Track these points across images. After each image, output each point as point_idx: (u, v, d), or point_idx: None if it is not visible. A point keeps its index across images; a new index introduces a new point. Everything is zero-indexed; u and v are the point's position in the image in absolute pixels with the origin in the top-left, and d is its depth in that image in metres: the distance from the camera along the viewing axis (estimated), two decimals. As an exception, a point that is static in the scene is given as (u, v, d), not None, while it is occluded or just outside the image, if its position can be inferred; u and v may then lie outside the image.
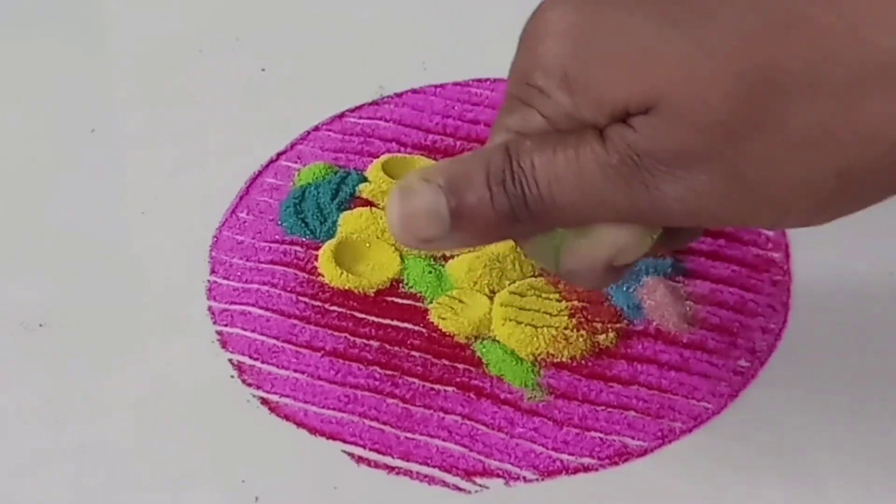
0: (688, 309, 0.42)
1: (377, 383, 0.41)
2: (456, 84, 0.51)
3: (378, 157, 0.47)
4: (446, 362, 0.41)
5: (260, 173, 0.48)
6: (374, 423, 0.40)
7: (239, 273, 0.44)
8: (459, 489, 0.38)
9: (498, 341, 0.41)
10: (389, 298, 0.43)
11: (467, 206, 0.34)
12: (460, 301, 0.43)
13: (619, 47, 0.32)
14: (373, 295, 0.43)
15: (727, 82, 0.30)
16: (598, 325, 0.42)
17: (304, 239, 0.45)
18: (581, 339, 0.41)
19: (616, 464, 0.39)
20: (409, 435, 0.39)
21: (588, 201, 0.34)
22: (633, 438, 0.39)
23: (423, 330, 0.42)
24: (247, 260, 0.44)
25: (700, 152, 0.31)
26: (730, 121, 0.31)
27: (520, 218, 0.34)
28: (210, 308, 0.43)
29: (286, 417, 0.40)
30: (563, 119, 0.33)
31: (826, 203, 0.33)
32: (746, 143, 0.31)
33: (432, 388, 0.41)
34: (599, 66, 0.32)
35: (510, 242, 0.44)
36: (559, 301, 0.42)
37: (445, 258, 0.44)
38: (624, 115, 0.32)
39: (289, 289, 0.43)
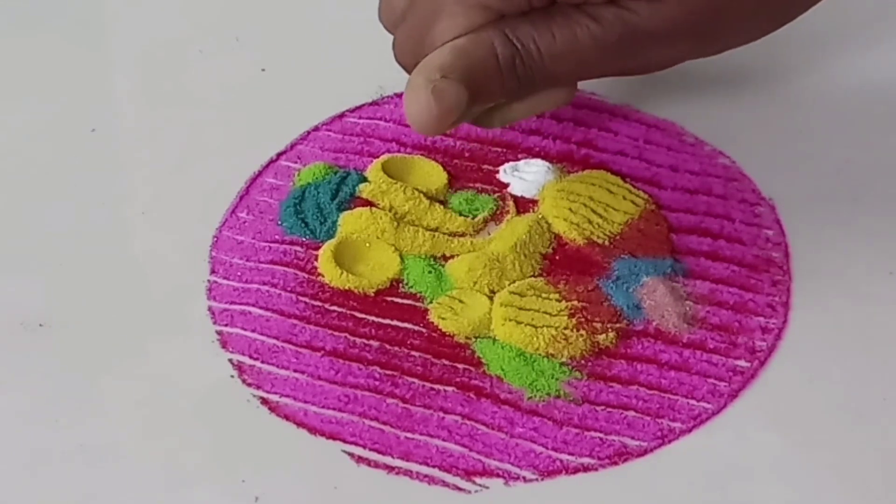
0: (687, 309, 0.42)
1: (377, 383, 0.41)
2: (456, 84, 0.51)
3: (378, 157, 0.47)
4: (446, 362, 0.41)
5: (260, 173, 0.48)
6: (373, 423, 0.40)
7: (239, 273, 0.44)
8: (459, 489, 0.38)
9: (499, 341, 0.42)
10: (389, 298, 0.43)
11: (483, 90, 0.40)
12: (460, 301, 0.43)
13: None
14: (373, 295, 0.43)
15: None
16: (598, 325, 0.42)
17: (304, 239, 0.45)
18: (581, 339, 0.41)
19: (616, 464, 0.39)
20: (408, 435, 0.39)
21: (583, 71, 0.41)
22: (632, 438, 0.39)
23: (423, 330, 0.42)
24: (247, 260, 0.44)
25: (690, 26, 0.39)
26: (714, 4, 0.39)
27: (523, 89, 0.40)
28: (210, 308, 0.43)
29: (286, 417, 0.40)
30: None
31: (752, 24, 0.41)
32: (726, 14, 0.39)
33: (432, 388, 0.41)
34: None
35: (510, 243, 0.44)
36: (559, 301, 0.42)
37: (445, 258, 0.44)
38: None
39: (289, 289, 0.43)
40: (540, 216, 0.45)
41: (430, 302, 0.43)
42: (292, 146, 0.49)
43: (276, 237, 0.45)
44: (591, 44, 0.39)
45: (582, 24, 0.39)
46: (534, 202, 0.46)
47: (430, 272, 0.43)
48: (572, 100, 0.44)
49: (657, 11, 0.39)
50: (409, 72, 0.41)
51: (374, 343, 0.42)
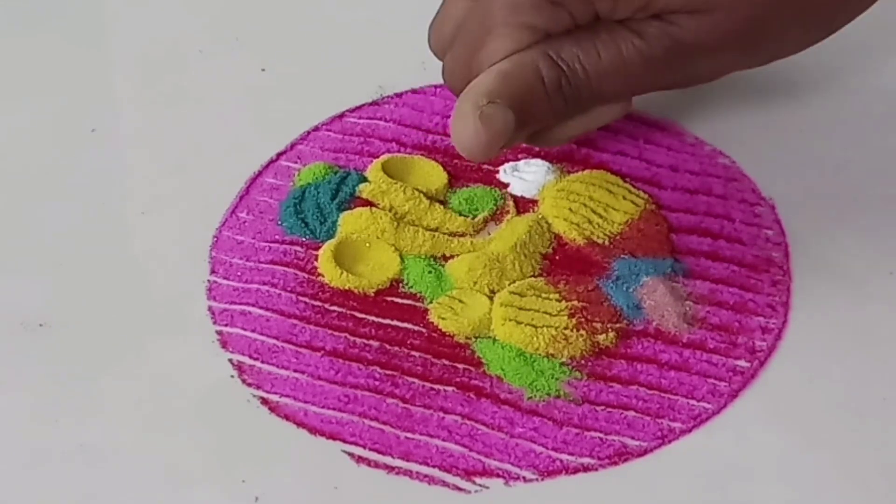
0: (687, 309, 0.42)
1: (377, 383, 0.41)
2: (456, 84, 0.51)
3: (378, 157, 0.47)
4: (446, 362, 0.41)
5: (260, 173, 0.48)
6: (373, 423, 0.40)
7: (239, 273, 0.44)
8: (459, 489, 0.38)
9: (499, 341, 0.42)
10: (389, 298, 0.43)
11: (530, 114, 0.40)
12: (460, 301, 0.43)
13: None
14: (373, 295, 0.43)
15: None
16: (598, 325, 0.42)
17: (304, 239, 0.45)
18: (581, 339, 0.41)
19: (616, 464, 0.39)
20: (408, 435, 0.39)
21: (631, 87, 0.41)
22: (632, 438, 0.39)
23: (423, 330, 0.42)
24: (247, 260, 0.44)
25: (735, 37, 0.39)
26: (759, 14, 0.39)
27: (571, 111, 0.41)
28: (210, 308, 0.43)
29: (286, 417, 0.40)
30: (587, 17, 0.39)
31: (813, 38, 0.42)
32: (771, 25, 0.39)
33: (432, 388, 0.41)
34: None
35: (510, 243, 0.44)
36: (559, 301, 0.42)
37: (445, 258, 0.44)
38: (660, 13, 0.39)
39: (289, 289, 0.43)
40: (540, 216, 0.45)
41: (430, 302, 0.43)
42: (292, 146, 0.49)
43: (276, 237, 0.45)
44: (638, 60, 0.39)
45: (627, 40, 0.39)
46: (534, 202, 0.46)
47: (430, 272, 0.43)
48: (628, 112, 0.43)
49: (701, 24, 0.38)
50: (457, 96, 0.41)
51: (374, 343, 0.42)
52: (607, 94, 0.40)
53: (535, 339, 0.41)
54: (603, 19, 0.39)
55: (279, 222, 0.46)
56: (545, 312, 0.42)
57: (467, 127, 0.39)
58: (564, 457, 0.39)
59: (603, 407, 0.40)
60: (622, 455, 0.39)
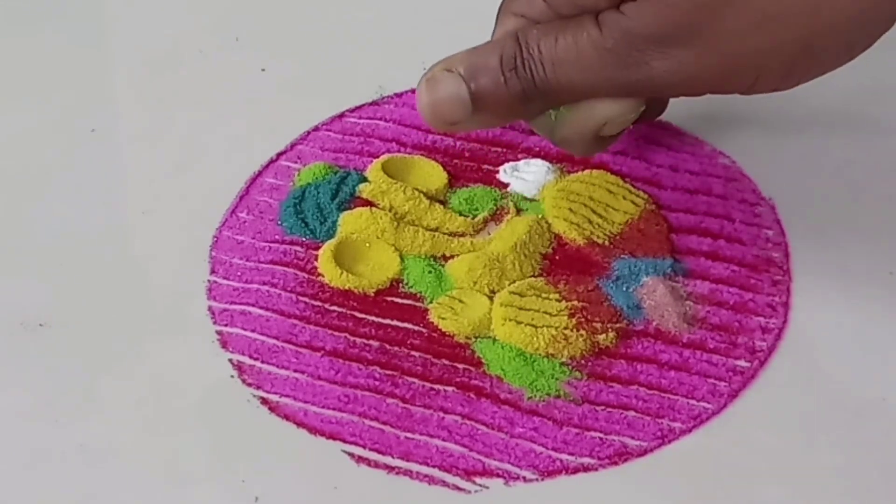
0: (688, 309, 0.42)
1: (377, 383, 0.41)
2: (456, 84, 0.51)
3: (378, 157, 0.47)
4: (446, 362, 0.41)
5: (260, 173, 0.48)
6: (373, 423, 0.40)
7: (239, 273, 0.44)
8: (459, 489, 0.38)
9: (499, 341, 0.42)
10: (389, 298, 0.43)
11: (485, 90, 0.39)
12: (460, 301, 0.43)
13: None
14: (373, 295, 0.43)
15: None
16: (598, 325, 0.42)
17: (304, 239, 0.45)
18: (581, 339, 0.41)
19: (616, 464, 0.39)
20: (408, 435, 0.39)
21: (587, 80, 0.39)
22: (632, 438, 0.39)
23: (423, 330, 0.42)
24: (247, 260, 0.44)
25: (684, 31, 0.37)
26: (707, 2, 0.37)
27: (530, 98, 0.39)
28: (210, 308, 0.43)
29: (286, 417, 0.40)
30: (565, 4, 0.39)
31: (791, 68, 0.38)
32: (721, 20, 0.37)
33: (432, 388, 0.41)
34: None
35: (510, 243, 0.44)
36: (559, 301, 0.42)
37: (445, 258, 0.44)
38: (618, 2, 0.38)
39: (289, 289, 0.43)
40: (540, 216, 0.45)
41: (430, 302, 0.43)
42: (292, 146, 0.49)
43: (276, 237, 0.45)
44: (591, 50, 0.39)
45: (586, 29, 0.39)
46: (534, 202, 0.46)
47: (430, 272, 0.43)
48: (631, 122, 0.42)
49: (643, 10, 0.38)
50: None
51: (374, 343, 0.42)
52: (563, 84, 0.39)
53: (535, 339, 0.41)
54: (580, 11, 0.39)
55: (279, 222, 0.46)
56: (545, 312, 0.42)
57: (419, 92, 0.41)
58: (564, 457, 0.39)
59: (603, 407, 0.40)
60: (622, 455, 0.39)
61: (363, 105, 0.50)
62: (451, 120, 0.40)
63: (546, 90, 0.40)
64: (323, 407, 0.40)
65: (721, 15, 0.37)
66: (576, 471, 0.38)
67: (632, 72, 0.39)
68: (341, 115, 0.50)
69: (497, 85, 0.40)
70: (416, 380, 0.41)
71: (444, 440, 0.39)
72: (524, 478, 0.38)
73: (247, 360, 0.41)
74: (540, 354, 0.41)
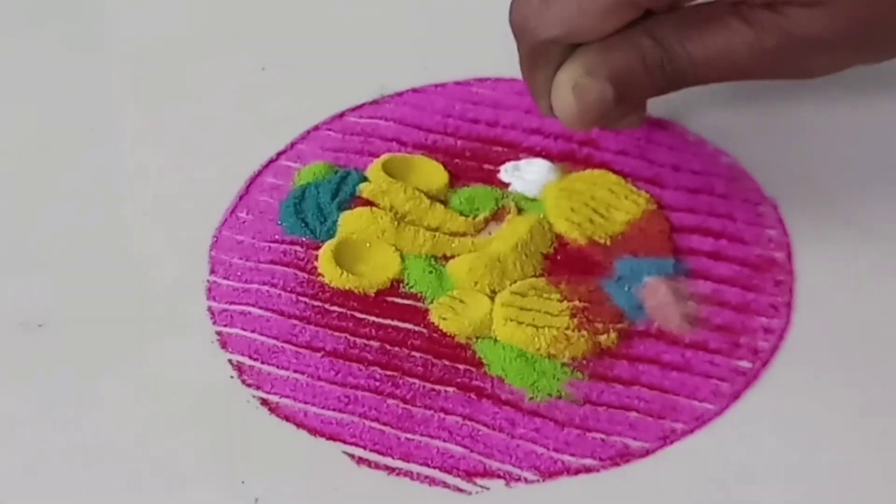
0: (690, 309, 0.42)
1: (377, 384, 0.40)
2: (457, 83, 0.51)
3: (378, 156, 0.47)
4: (447, 363, 0.41)
5: (260, 173, 0.48)
6: (374, 424, 0.39)
7: (239, 273, 0.44)
8: (460, 490, 0.38)
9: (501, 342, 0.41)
10: (390, 298, 0.43)
11: (632, 92, 0.40)
12: (461, 301, 0.42)
13: None
14: (373, 295, 0.43)
15: None
16: (600, 326, 0.42)
17: (304, 239, 0.45)
18: (582, 340, 0.41)
19: (617, 465, 0.39)
20: (409, 436, 0.39)
21: (736, 75, 0.40)
22: (634, 439, 0.39)
23: (424, 330, 0.42)
24: (247, 260, 0.44)
25: (849, 34, 0.38)
26: (875, 10, 0.37)
27: (674, 87, 0.40)
28: (210, 308, 0.43)
29: (286, 418, 0.40)
30: None
31: None
32: (887, 24, 0.38)
33: (433, 389, 0.40)
34: None
35: (511, 243, 0.43)
36: (560, 301, 0.42)
37: (446, 258, 0.44)
38: (772, 3, 0.38)
39: (289, 289, 0.43)
40: (541, 216, 0.45)
41: (431, 302, 0.43)
42: (292, 146, 0.49)
43: (276, 237, 0.45)
44: (746, 52, 0.38)
45: (735, 29, 0.38)
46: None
47: (430, 272, 0.43)
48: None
49: (814, 18, 0.37)
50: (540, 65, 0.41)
51: (375, 343, 0.42)
52: (712, 79, 0.40)
53: (536, 339, 0.41)
54: (715, 1, 0.39)
55: (279, 222, 0.46)
56: (546, 313, 0.42)
57: (561, 98, 0.40)
58: (566, 458, 0.39)
59: (605, 408, 0.40)
60: (624, 456, 0.39)
61: (363, 104, 0.50)
62: (598, 123, 0.41)
63: (694, 83, 0.40)
64: (323, 407, 0.40)
65: (889, 17, 0.38)
66: (577, 472, 0.38)
67: (787, 67, 0.39)
68: (342, 115, 0.50)
69: (643, 86, 0.40)
70: (416, 380, 0.41)
71: (444, 441, 0.39)
72: (525, 479, 0.38)
73: (247, 361, 0.41)
74: (541, 355, 0.41)
